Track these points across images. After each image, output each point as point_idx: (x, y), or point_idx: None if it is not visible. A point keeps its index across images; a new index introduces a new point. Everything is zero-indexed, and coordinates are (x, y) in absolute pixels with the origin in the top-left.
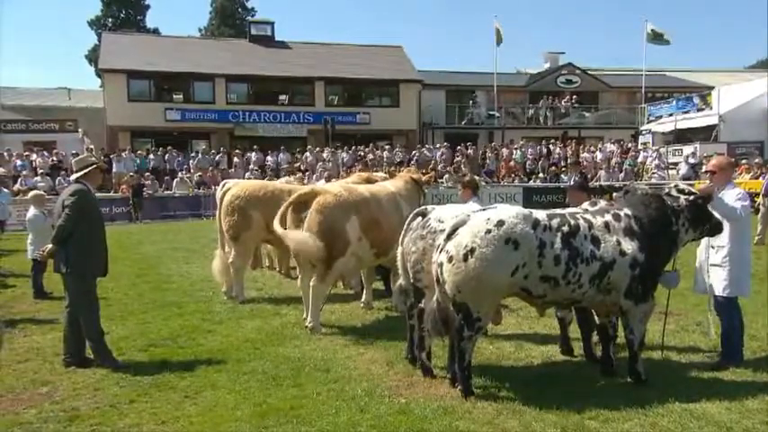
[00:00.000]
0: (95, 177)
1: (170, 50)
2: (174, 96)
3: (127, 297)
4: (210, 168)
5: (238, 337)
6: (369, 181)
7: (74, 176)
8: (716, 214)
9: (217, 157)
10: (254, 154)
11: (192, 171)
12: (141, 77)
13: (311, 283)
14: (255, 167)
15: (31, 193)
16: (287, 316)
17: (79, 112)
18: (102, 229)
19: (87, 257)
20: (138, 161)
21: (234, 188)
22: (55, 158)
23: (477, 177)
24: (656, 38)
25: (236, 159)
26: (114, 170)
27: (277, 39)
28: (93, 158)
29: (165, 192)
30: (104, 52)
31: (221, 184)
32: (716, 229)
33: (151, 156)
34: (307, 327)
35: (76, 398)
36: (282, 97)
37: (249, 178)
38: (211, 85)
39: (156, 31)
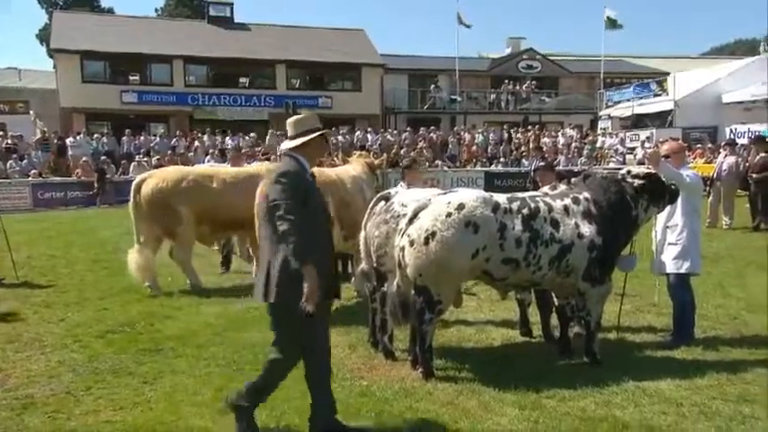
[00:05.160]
0: (319, 149)
1: (126, 31)
2: (131, 78)
3: (83, 283)
4: (169, 152)
5: (198, 322)
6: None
7: (287, 144)
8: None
9: (173, 141)
10: (213, 137)
11: (151, 155)
12: (95, 58)
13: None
14: (215, 150)
15: None
16: (248, 301)
17: (31, 94)
18: (325, 230)
19: (299, 276)
20: (95, 144)
21: (152, 180)
22: (9, 141)
23: (439, 162)
24: (612, 24)
25: (196, 143)
26: (70, 153)
27: (236, 20)
28: (318, 122)
29: (122, 176)
30: (56, 32)
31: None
32: (674, 196)
33: (104, 139)
34: None
35: (30, 385)
36: (243, 80)
37: (209, 162)
38: (169, 67)
39: (110, 11)
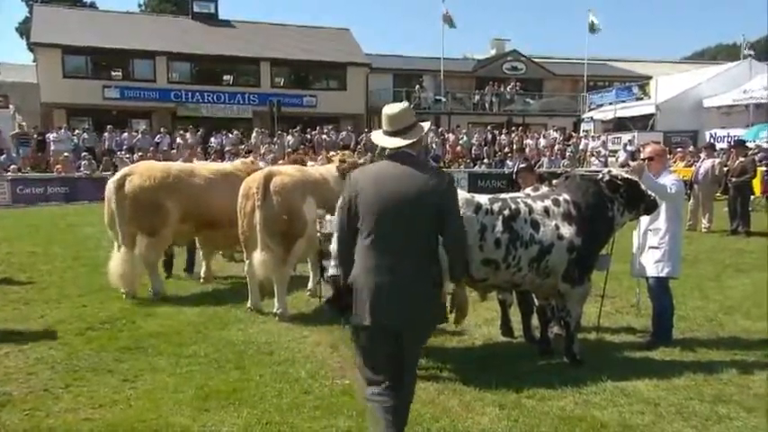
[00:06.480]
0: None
1: (108, 26)
2: (113, 74)
3: (62, 280)
4: (151, 149)
5: (180, 320)
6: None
7: (396, 142)
8: (650, 193)
9: (156, 138)
10: (196, 134)
11: (133, 151)
12: (77, 53)
13: (273, 270)
14: (198, 148)
15: None
16: (230, 299)
17: (10, 88)
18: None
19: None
20: (75, 140)
21: (135, 177)
22: None
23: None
24: (593, 28)
25: (178, 140)
26: (53, 149)
27: (221, 17)
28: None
29: (104, 172)
30: (37, 25)
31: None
32: (651, 207)
33: (85, 135)
34: (275, 313)
35: (8, 383)
36: (227, 77)
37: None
38: (152, 63)
39: (92, 6)
